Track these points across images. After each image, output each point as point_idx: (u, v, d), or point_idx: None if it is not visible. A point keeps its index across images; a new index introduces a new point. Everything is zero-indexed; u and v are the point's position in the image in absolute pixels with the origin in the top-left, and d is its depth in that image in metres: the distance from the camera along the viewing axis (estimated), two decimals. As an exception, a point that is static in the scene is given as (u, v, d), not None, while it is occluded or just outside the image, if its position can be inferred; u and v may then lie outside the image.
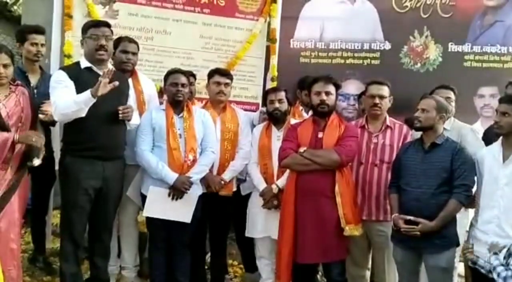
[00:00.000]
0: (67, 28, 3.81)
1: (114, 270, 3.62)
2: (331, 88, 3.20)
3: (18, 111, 2.95)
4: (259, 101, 4.33)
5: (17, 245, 3.01)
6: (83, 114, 2.97)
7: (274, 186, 3.34)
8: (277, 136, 3.46)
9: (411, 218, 2.83)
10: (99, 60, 3.11)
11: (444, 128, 3.11)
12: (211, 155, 3.38)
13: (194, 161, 3.30)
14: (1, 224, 2.85)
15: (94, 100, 2.92)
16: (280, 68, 4.35)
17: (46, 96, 3.17)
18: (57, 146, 3.56)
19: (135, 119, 3.27)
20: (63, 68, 3.28)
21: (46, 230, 3.88)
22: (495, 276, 2.49)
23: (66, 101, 2.96)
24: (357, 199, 3.20)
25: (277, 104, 3.47)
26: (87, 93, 2.93)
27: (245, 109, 4.06)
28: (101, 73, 3.12)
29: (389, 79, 3.42)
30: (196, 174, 3.27)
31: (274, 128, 3.51)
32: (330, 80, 3.22)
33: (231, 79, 3.66)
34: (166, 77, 3.39)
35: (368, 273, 3.45)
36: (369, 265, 3.45)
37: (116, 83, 2.97)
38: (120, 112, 3.06)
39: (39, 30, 3.55)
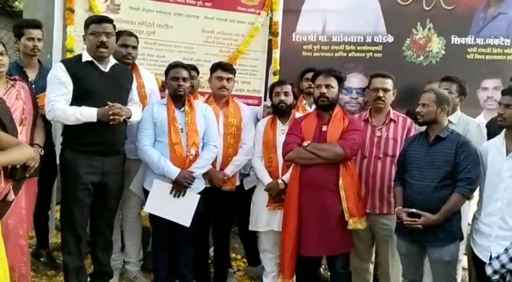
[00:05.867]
0: (69, 23, 3.78)
1: (118, 264, 3.63)
2: (333, 81, 3.18)
3: (20, 105, 2.94)
4: (261, 95, 4.32)
5: (25, 241, 3.01)
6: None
7: (280, 181, 3.33)
8: (282, 130, 3.43)
9: (414, 210, 2.83)
10: (100, 57, 3.11)
11: (450, 122, 3.09)
12: (214, 149, 3.37)
13: (196, 155, 3.29)
14: (9, 221, 2.84)
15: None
16: (282, 62, 4.33)
17: (45, 91, 3.14)
18: (58, 140, 3.55)
19: (135, 116, 3.25)
20: (63, 61, 3.26)
21: (49, 224, 3.88)
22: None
23: (67, 112, 2.99)
24: (361, 193, 3.19)
25: (282, 97, 3.45)
26: (92, 115, 2.99)
27: (247, 104, 4.05)
28: (102, 68, 3.12)
29: (391, 72, 3.40)
30: (198, 168, 3.27)
31: (279, 122, 3.49)
32: (331, 73, 3.19)
33: (234, 73, 3.63)
34: (167, 71, 3.38)
35: (371, 266, 3.45)
36: (373, 258, 3.44)
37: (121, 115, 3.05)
38: (110, 116, 3.01)
39: (36, 25, 3.50)
